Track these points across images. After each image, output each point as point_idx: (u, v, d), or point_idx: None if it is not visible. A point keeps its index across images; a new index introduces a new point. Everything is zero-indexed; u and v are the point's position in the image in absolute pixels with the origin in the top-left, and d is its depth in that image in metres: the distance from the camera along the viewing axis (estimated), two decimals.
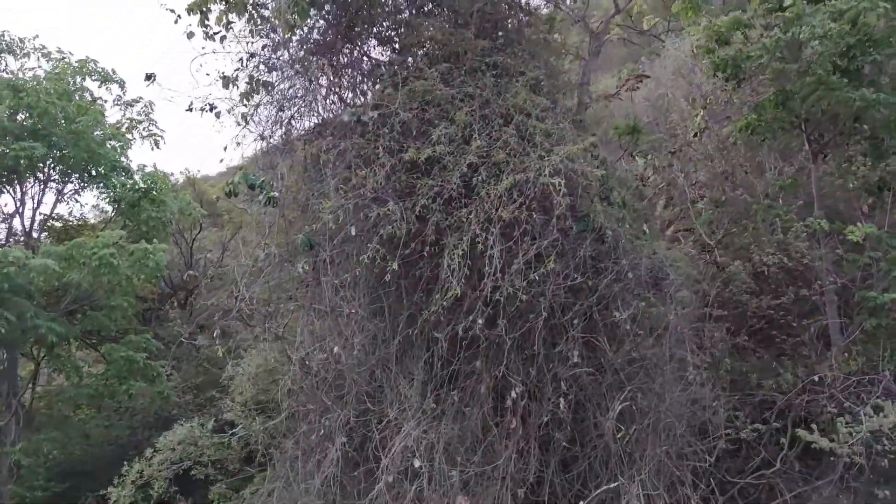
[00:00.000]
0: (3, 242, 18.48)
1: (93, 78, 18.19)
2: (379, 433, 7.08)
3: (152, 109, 19.11)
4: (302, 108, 7.55)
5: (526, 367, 7.22)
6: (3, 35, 16.92)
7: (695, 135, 12.47)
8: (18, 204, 18.36)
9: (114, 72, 18.44)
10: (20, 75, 17.16)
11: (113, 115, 19.37)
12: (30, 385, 18.12)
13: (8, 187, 18.34)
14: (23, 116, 16.63)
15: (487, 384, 7.19)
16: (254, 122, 7.71)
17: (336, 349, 6.99)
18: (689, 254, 10.74)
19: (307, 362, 7.50)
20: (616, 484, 7.75)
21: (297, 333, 7.63)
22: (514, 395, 7.10)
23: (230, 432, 11.91)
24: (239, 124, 7.95)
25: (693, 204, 11.53)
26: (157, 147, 19.40)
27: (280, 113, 7.59)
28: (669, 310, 8.29)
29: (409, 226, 6.66)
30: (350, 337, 6.98)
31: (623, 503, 7.34)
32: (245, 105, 8.04)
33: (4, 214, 18.85)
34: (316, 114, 7.58)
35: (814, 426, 8.72)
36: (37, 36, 19.00)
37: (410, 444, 6.77)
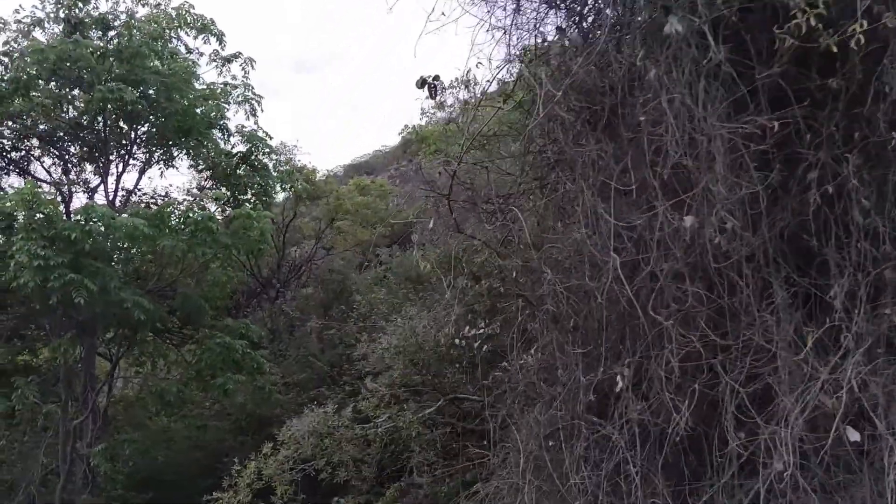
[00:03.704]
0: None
1: (189, 28, 15.82)
2: (747, 392, 3.94)
3: (252, 67, 16.59)
4: None
5: None
6: None
7: None
8: (101, 174, 15.98)
9: (213, 22, 16.04)
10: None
11: (207, 76, 16.90)
12: (105, 386, 15.46)
13: (89, 163, 16.11)
14: (112, 60, 14.17)
15: None
16: None
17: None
18: None
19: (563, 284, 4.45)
20: None
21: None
22: None
23: (373, 422, 8.93)
24: None
25: None
26: (255, 115, 16.76)
27: None
28: None
29: None
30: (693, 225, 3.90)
31: None
32: None
33: (84, 187, 16.43)
34: None
35: None
36: None
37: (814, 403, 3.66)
